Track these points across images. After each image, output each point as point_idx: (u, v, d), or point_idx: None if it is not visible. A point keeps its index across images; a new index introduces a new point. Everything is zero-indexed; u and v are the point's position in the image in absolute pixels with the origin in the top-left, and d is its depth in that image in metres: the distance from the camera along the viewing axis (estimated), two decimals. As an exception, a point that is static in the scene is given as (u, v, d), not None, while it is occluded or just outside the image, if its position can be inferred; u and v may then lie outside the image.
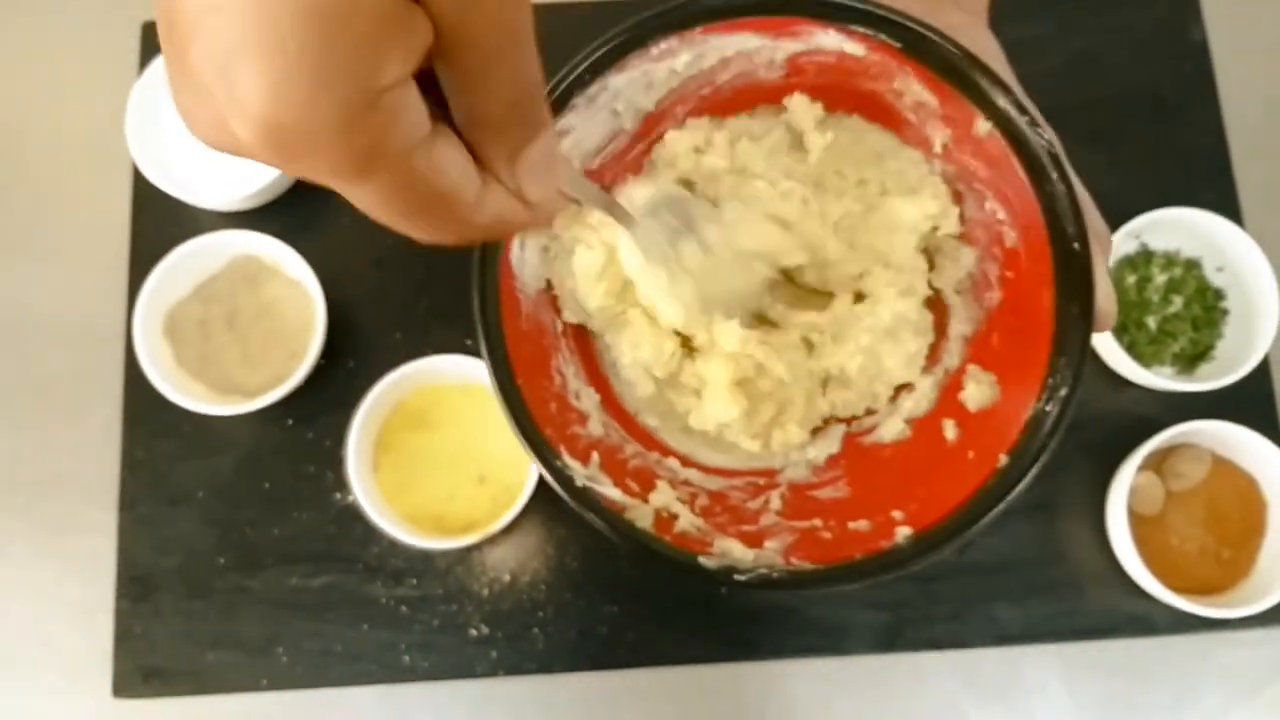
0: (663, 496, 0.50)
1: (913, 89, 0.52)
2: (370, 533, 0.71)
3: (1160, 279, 0.74)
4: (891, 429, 0.54)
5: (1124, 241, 0.73)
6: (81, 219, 0.79)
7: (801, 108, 0.55)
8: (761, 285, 0.55)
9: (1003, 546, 0.72)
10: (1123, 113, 0.79)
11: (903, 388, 0.55)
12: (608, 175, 0.53)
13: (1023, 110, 0.48)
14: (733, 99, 0.56)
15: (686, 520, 0.49)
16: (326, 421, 0.73)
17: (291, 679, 0.70)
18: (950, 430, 0.51)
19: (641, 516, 0.48)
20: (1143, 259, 0.74)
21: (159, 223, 0.76)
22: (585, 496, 0.47)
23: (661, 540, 0.47)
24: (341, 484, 0.72)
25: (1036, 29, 0.80)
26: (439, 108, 0.28)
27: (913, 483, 0.50)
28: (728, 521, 0.50)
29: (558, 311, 0.54)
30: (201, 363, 0.73)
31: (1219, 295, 0.74)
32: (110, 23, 0.81)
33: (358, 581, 0.72)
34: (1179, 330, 0.73)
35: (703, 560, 0.47)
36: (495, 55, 0.27)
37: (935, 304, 0.56)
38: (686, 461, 0.55)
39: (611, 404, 0.55)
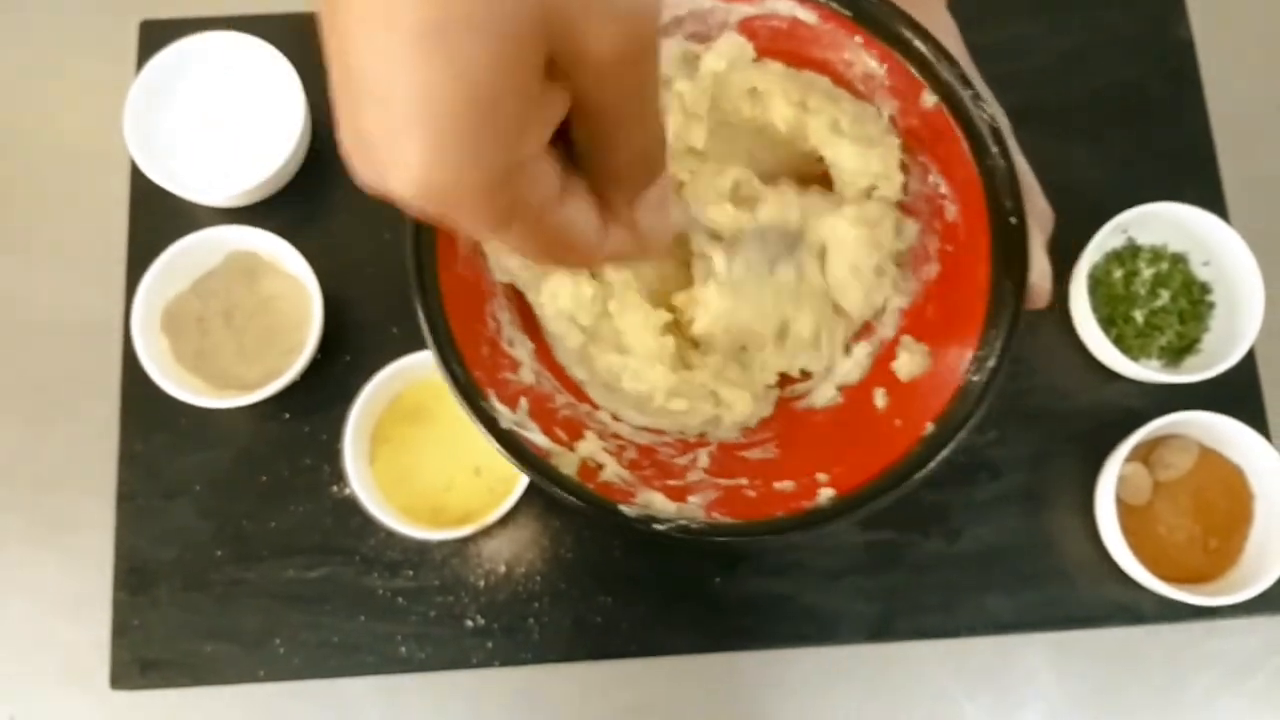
0: (590, 446, 0.51)
1: (862, 59, 0.53)
2: (367, 525, 0.71)
3: (1147, 273, 0.75)
4: (824, 395, 0.55)
5: (1111, 236, 0.74)
6: (79, 215, 0.79)
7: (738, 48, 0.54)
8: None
9: (992, 536, 0.73)
10: (1110, 110, 0.80)
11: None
12: None
13: (967, 84, 0.49)
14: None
15: (612, 471, 0.50)
16: (323, 415, 0.74)
17: (289, 670, 0.71)
18: (880, 398, 0.53)
19: (566, 464, 0.49)
20: (1130, 253, 0.75)
21: (157, 219, 0.77)
22: (509, 440, 0.48)
23: (584, 488, 0.48)
24: (338, 477, 0.73)
25: (1025, 28, 0.81)
26: (568, 154, 0.31)
27: (840, 447, 0.52)
28: (654, 475, 0.51)
29: None
30: (199, 357, 0.73)
31: (1205, 289, 0.75)
32: (109, 20, 0.82)
33: (354, 573, 0.72)
34: (1166, 323, 0.74)
35: (623, 508, 0.47)
36: (626, 119, 0.30)
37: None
38: (615, 416, 0.55)
39: (545, 355, 0.55)
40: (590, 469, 0.50)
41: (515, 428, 0.49)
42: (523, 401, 0.51)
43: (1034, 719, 0.72)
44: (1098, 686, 0.72)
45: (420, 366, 0.71)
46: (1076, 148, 0.78)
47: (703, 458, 0.54)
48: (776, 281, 0.53)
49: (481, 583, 0.72)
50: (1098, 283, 0.75)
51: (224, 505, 0.73)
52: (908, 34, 0.50)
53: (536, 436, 0.50)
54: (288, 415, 0.75)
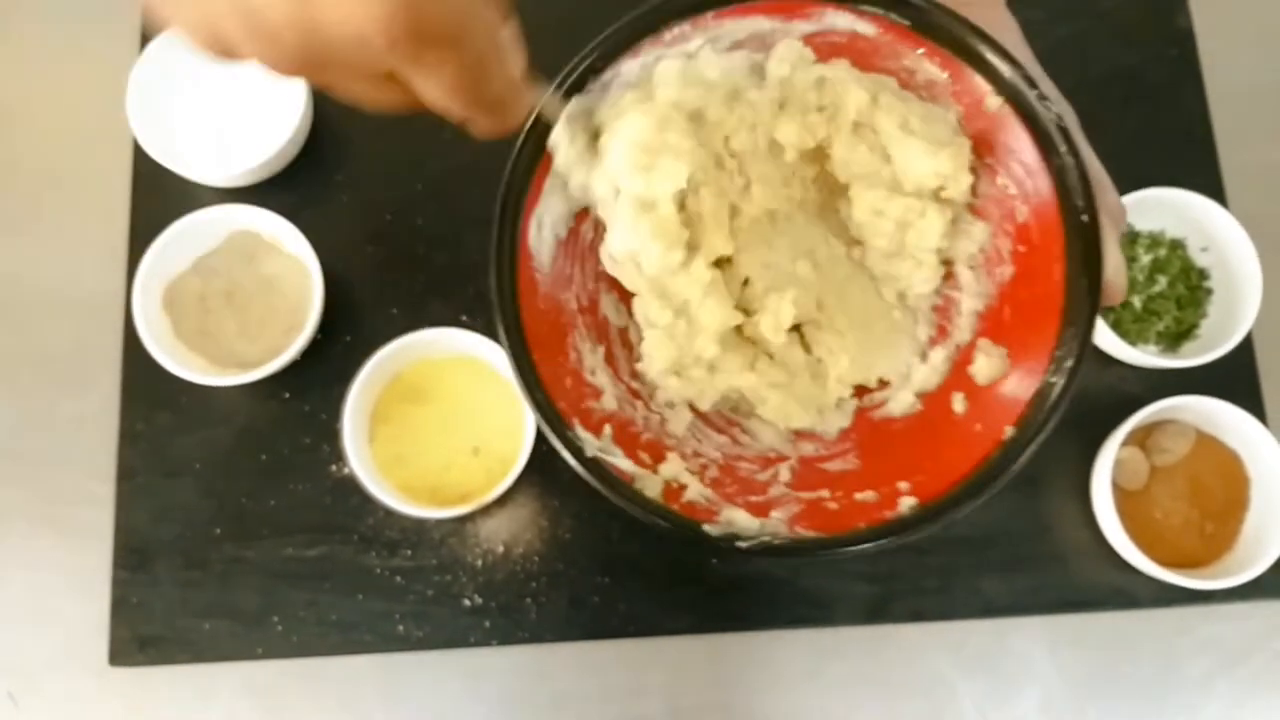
0: (672, 467, 0.52)
1: (924, 67, 0.53)
2: (366, 504, 0.72)
3: (1145, 259, 0.75)
4: (902, 403, 0.55)
5: (1110, 221, 0.74)
6: (82, 194, 0.80)
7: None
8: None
9: (989, 520, 0.73)
10: (1109, 97, 0.80)
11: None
12: None
13: (1032, 84, 0.49)
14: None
15: (695, 491, 0.51)
16: (323, 394, 0.74)
17: (287, 648, 0.71)
18: (959, 403, 0.53)
19: (650, 486, 0.50)
20: (1128, 239, 0.75)
21: (159, 198, 0.77)
22: (595, 467, 0.49)
23: (667, 509, 0.49)
24: (337, 456, 0.73)
25: (1025, 14, 0.80)
26: None
27: (920, 455, 0.51)
28: (736, 492, 0.52)
29: (592, 281, 0.56)
30: (200, 336, 0.74)
31: (1203, 275, 0.75)
32: (112, 2, 0.82)
33: (353, 552, 0.72)
34: (1163, 309, 0.74)
35: (707, 528, 0.48)
36: None
37: (948, 277, 0.57)
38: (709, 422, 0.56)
39: (624, 372, 0.56)
40: (674, 489, 0.51)
41: (601, 454, 0.50)
42: (607, 428, 0.52)
43: (1029, 702, 0.72)
44: (1093, 670, 0.72)
45: (420, 346, 0.71)
46: None
47: (784, 472, 0.54)
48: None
49: (479, 562, 0.72)
50: (1096, 268, 0.75)
51: (224, 484, 0.74)
52: (968, 39, 0.50)
53: (621, 461, 0.50)
54: (288, 394, 0.75)
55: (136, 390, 0.75)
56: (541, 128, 0.50)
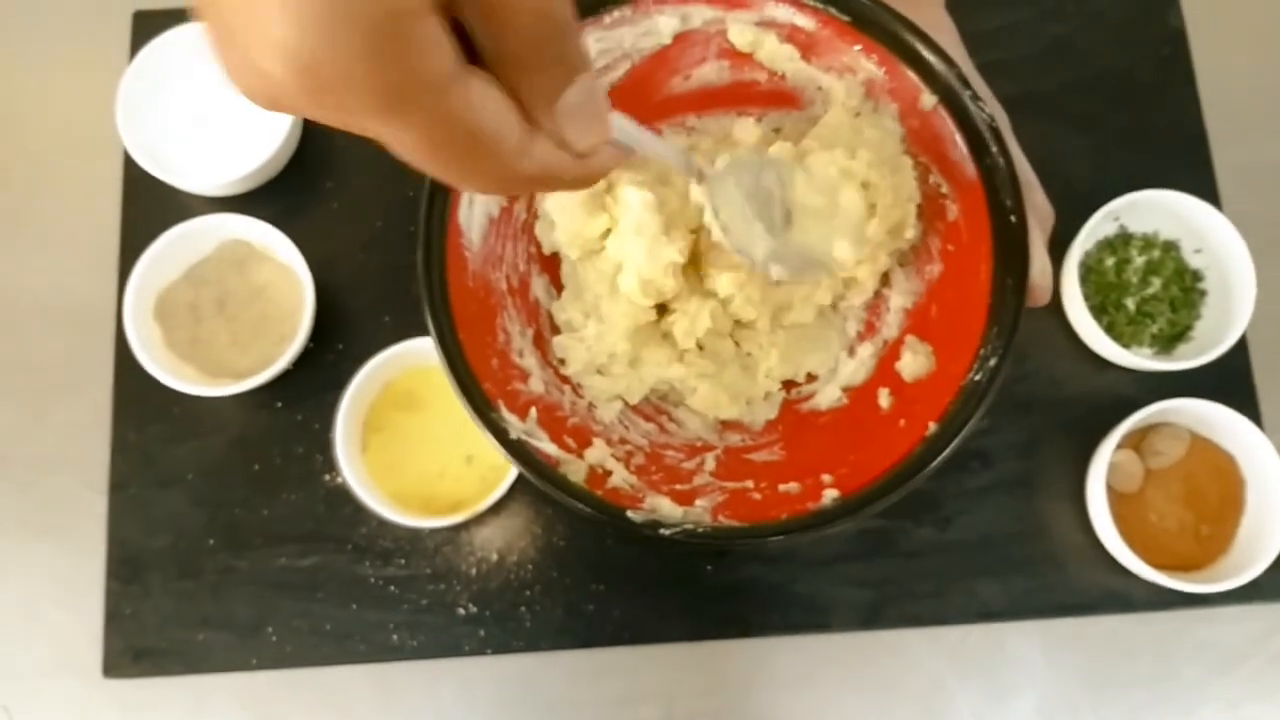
0: (598, 453, 0.52)
1: (861, 64, 0.53)
2: (359, 513, 0.72)
3: (1139, 260, 0.75)
4: (828, 396, 0.56)
5: (1103, 223, 0.74)
6: (72, 203, 0.79)
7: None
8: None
9: (984, 524, 0.73)
10: (1102, 97, 0.80)
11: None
12: None
13: (966, 84, 0.50)
14: (680, 65, 0.57)
15: (620, 477, 0.51)
16: (315, 403, 0.74)
17: (281, 658, 0.71)
18: (884, 399, 0.54)
19: (575, 471, 0.50)
20: (1121, 241, 0.75)
21: (149, 207, 0.77)
22: (518, 449, 0.48)
23: (590, 494, 0.49)
24: (330, 465, 0.73)
25: (1016, 15, 0.81)
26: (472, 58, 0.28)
27: (844, 449, 0.52)
28: (661, 480, 0.52)
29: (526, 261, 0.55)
30: (191, 346, 0.73)
31: (1197, 276, 0.75)
32: (102, 9, 0.82)
33: (346, 561, 0.72)
34: (1157, 311, 0.74)
35: (630, 514, 0.48)
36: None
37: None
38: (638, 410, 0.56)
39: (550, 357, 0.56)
40: (599, 475, 0.51)
41: (525, 437, 0.50)
42: (533, 411, 0.52)
43: (1025, 705, 0.72)
44: (1088, 673, 0.72)
45: (412, 354, 0.71)
46: (1068, 135, 0.78)
47: (710, 461, 0.55)
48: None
49: (473, 571, 0.72)
50: (1089, 270, 0.75)
51: (216, 494, 0.74)
52: (906, 36, 0.50)
53: (546, 445, 0.50)
54: (280, 404, 0.75)
55: (128, 400, 0.75)
56: None
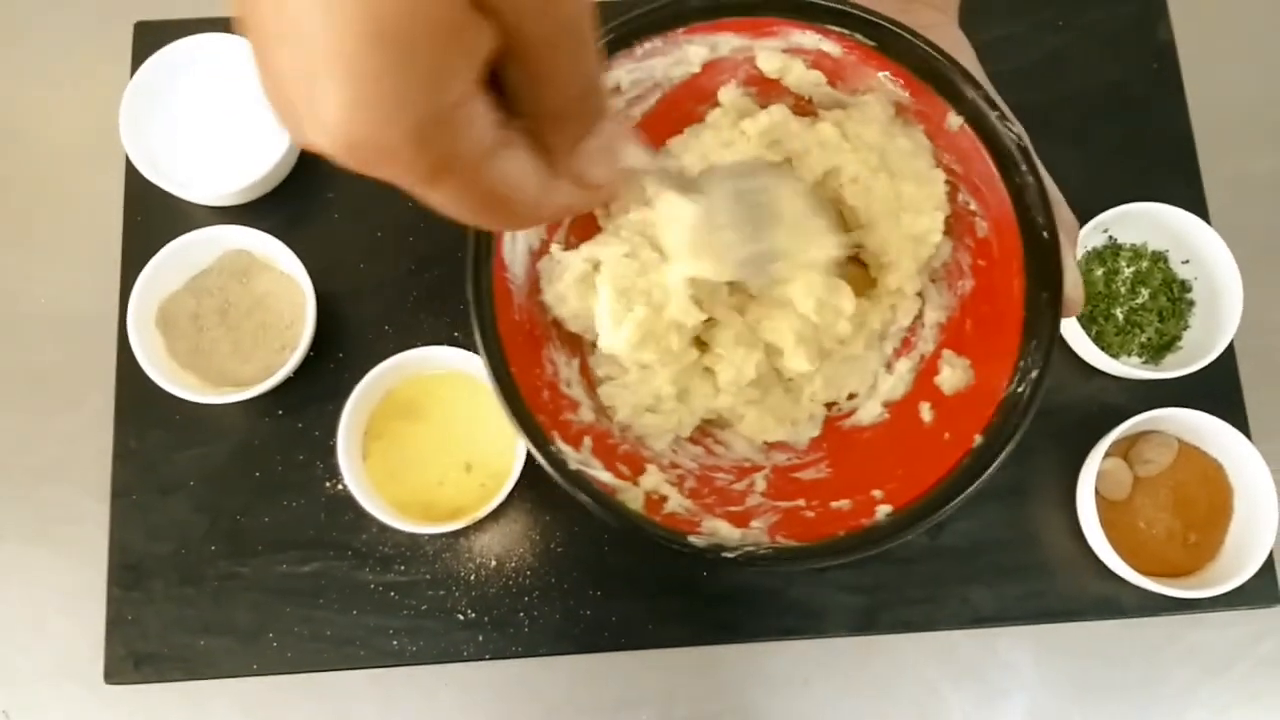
0: (652, 479, 0.53)
1: (888, 87, 0.54)
2: (359, 520, 0.72)
3: (1128, 271, 0.76)
4: (870, 412, 0.57)
5: (1092, 235, 0.75)
6: (76, 213, 0.80)
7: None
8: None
9: (976, 530, 0.74)
10: (1092, 110, 0.81)
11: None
12: None
13: (993, 105, 0.51)
14: (710, 91, 0.58)
15: (676, 502, 0.52)
16: (316, 411, 0.75)
17: (282, 663, 0.72)
18: (926, 413, 0.54)
19: (632, 499, 0.51)
20: (1110, 252, 0.76)
21: (151, 217, 0.78)
22: (578, 480, 0.49)
23: (652, 521, 0.50)
24: (331, 472, 0.74)
25: (1007, 29, 0.82)
26: (501, 100, 0.29)
27: (891, 463, 0.53)
28: (715, 503, 0.53)
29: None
30: (193, 354, 0.74)
31: (1185, 287, 0.76)
32: (105, 20, 0.83)
33: (347, 568, 0.73)
34: (1146, 321, 0.75)
35: (692, 539, 0.49)
36: (560, 54, 0.28)
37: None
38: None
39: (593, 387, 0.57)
40: (655, 501, 0.52)
41: (582, 467, 0.50)
42: (586, 440, 0.52)
43: (1016, 710, 0.73)
44: (1079, 678, 0.73)
45: (414, 362, 0.72)
46: (1058, 148, 0.78)
47: (760, 482, 0.56)
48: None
49: (473, 577, 0.73)
50: (1080, 281, 0.76)
51: (218, 501, 0.74)
52: (932, 61, 0.51)
53: (601, 474, 0.51)
54: (281, 412, 0.76)
55: (130, 408, 0.75)
56: None
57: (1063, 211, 0.54)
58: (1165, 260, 0.76)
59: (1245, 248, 0.73)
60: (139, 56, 0.80)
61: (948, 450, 0.51)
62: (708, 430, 0.58)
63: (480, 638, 0.72)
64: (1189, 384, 0.73)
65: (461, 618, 0.72)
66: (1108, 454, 0.71)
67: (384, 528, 0.71)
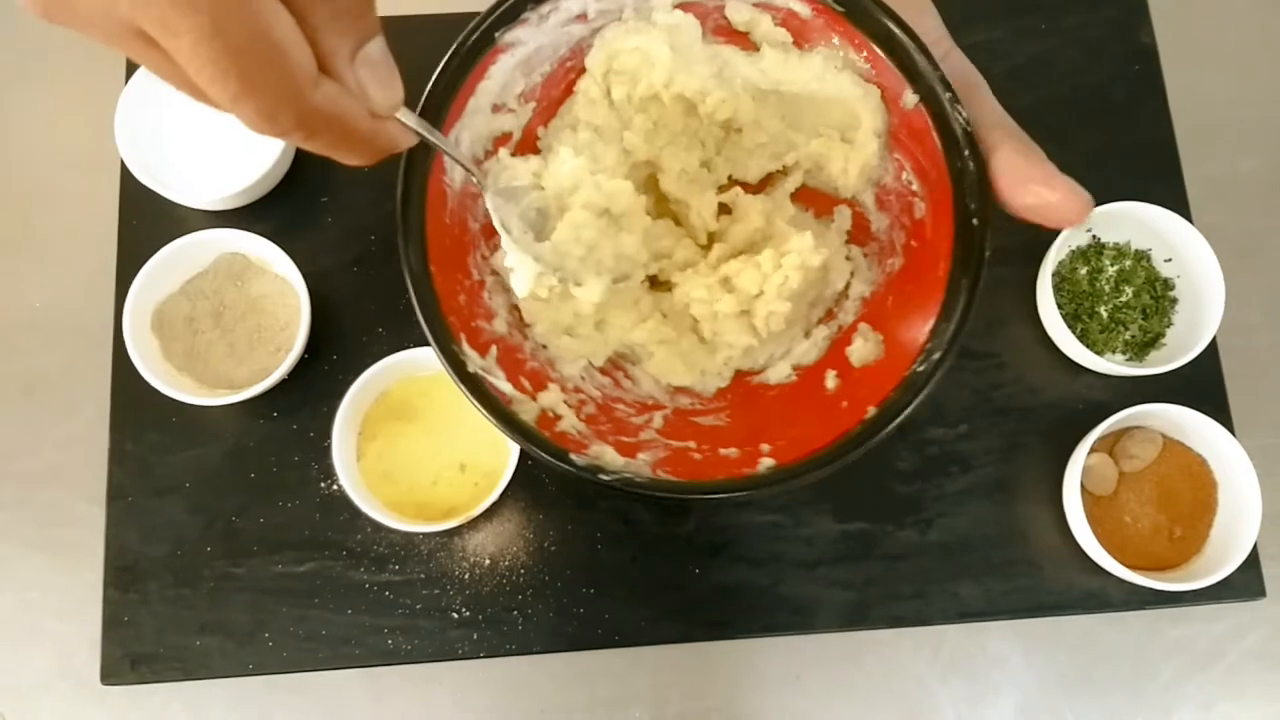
0: (551, 398, 0.53)
1: (850, 55, 0.55)
2: (354, 520, 0.73)
3: (1111, 270, 0.77)
4: (779, 373, 0.58)
5: (1076, 234, 0.76)
6: (71, 217, 0.81)
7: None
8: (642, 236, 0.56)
9: (964, 526, 0.74)
10: (1075, 113, 0.82)
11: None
12: (552, 88, 0.57)
13: (948, 87, 0.51)
14: None
15: (569, 422, 0.53)
16: (310, 413, 0.76)
17: (278, 663, 0.72)
18: (831, 380, 0.56)
19: (526, 411, 0.52)
20: (1094, 251, 0.77)
21: (147, 221, 0.78)
22: (474, 383, 0.50)
23: (539, 434, 0.51)
24: (325, 473, 0.74)
25: (991, 33, 0.83)
26: None
27: (786, 422, 0.54)
28: (609, 430, 0.54)
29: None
30: (189, 357, 0.75)
31: (1168, 285, 0.77)
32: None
33: (342, 568, 0.74)
34: (1130, 319, 0.76)
35: (574, 457, 0.50)
36: None
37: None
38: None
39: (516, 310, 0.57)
40: (549, 418, 0.52)
41: (482, 372, 0.51)
42: (493, 349, 0.53)
43: (1006, 704, 0.74)
44: (1067, 672, 0.74)
45: (408, 364, 0.73)
46: (1043, 149, 0.81)
47: (657, 419, 0.56)
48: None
49: (467, 576, 0.74)
50: (1063, 280, 0.77)
51: (214, 502, 0.75)
52: (896, 33, 0.52)
53: (501, 383, 0.52)
54: (276, 413, 0.76)
55: (126, 410, 0.76)
56: (473, 45, 0.52)
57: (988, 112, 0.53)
58: (1148, 259, 0.77)
59: (1227, 246, 0.74)
60: (135, 61, 0.80)
61: (841, 417, 0.52)
62: (619, 364, 0.59)
63: (474, 636, 0.73)
64: (1173, 380, 0.74)
65: (456, 616, 0.73)
66: (1093, 450, 0.72)
67: (378, 527, 0.72)
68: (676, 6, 0.55)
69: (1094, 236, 0.78)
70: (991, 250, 0.50)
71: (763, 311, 0.55)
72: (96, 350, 0.77)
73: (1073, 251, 0.78)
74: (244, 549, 0.74)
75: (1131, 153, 0.82)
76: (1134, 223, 0.77)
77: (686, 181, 0.58)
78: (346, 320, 0.78)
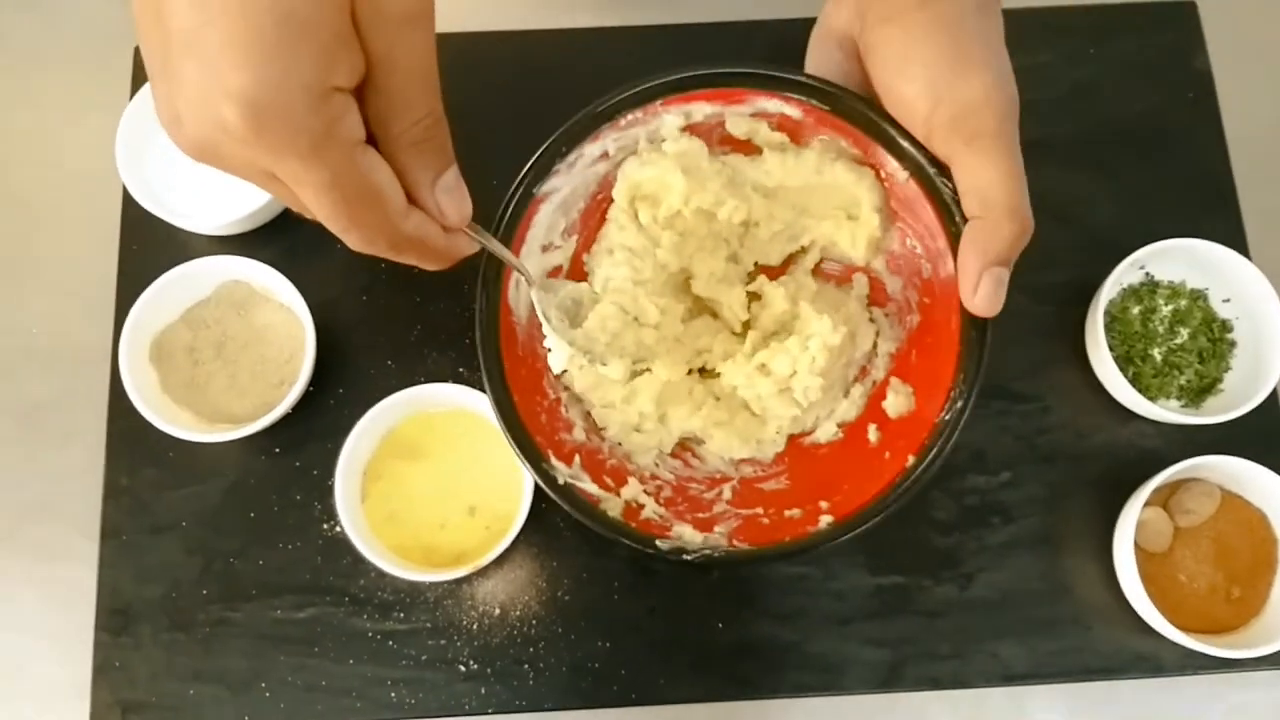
0: (632, 490, 0.60)
1: (841, 144, 0.61)
2: (357, 564, 0.69)
3: (1165, 309, 0.72)
4: (826, 432, 0.64)
5: (1129, 272, 0.72)
6: (70, 241, 0.78)
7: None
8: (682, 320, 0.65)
9: (1006, 581, 0.70)
10: (1126, 141, 0.78)
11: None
12: (589, 219, 0.64)
13: (934, 163, 0.56)
14: None
15: (651, 509, 0.59)
16: (314, 450, 0.72)
17: (275, 715, 0.68)
18: (873, 434, 0.61)
19: (613, 507, 0.58)
20: (1147, 289, 0.73)
21: (148, 247, 0.75)
22: (566, 492, 0.57)
23: (627, 526, 0.57)
24: (329, 513, 0.71)
25: (1038, 57, 0.79)
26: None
27: (840, 478, 0.60)
28: (686, 510, 0.60)
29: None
30: (188, 389, 0.71)
31: (1226, 327, 0.72)
32: (104, 45, 0.81)
33: (344, 614, 0.70)
34: (1185, 362, 0.71)
35: (659, 542, 0.56)
36: (412, 83, 0.38)
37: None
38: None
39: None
40: (634, 509, 0.59)
41: (571, 480, 0.58)
42: (577, 457, 0.60)
43: (1049, 774, 0.69)
44: (1116, 741, 0.69)
45: (416, 401, 0.69)
46: (1092, 181, 0.76)
47: (727, 491, 0.62)
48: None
49: (475, 625, 0.70)
50: (1114, 319, 0.72)
51: (211, 542, 0.71)
52: (879, 122, 0.57)
53: (588, 486, 0.59)
54: (278, 449, 0.73)
55: (122, 444, 0.72)
56: (517, 204, 0.59)
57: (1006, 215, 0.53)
58: (1205, 298, 0.73)
59: (1289, 285, 0.70)
60: (138, 80, 0.77)
61: (886, 468, 0.57)
62: (687, 446, 0.65)
63: (483, 690, 0.68)
64: (1231, 429, 0.69)
65: (463, 669, 0.69)
66: (1146, 503, 0.67)
67: (383, 573, 0.68)
68: (683, 130, 0.62)
69: (1147, 274, 0.73)
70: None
71: (800, 387, 0.61)
72: (94, 379, 0.74)
73: (1124, 290, 0.73)
74: (242, 592, 0.70)
75: (1186, 184, 0.77)
76: (1189, 259, 0.72)
77: (715, 281, 0.64)
78: (354, 352, 0.74)
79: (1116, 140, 0.77)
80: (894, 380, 0.61)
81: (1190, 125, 0.78)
